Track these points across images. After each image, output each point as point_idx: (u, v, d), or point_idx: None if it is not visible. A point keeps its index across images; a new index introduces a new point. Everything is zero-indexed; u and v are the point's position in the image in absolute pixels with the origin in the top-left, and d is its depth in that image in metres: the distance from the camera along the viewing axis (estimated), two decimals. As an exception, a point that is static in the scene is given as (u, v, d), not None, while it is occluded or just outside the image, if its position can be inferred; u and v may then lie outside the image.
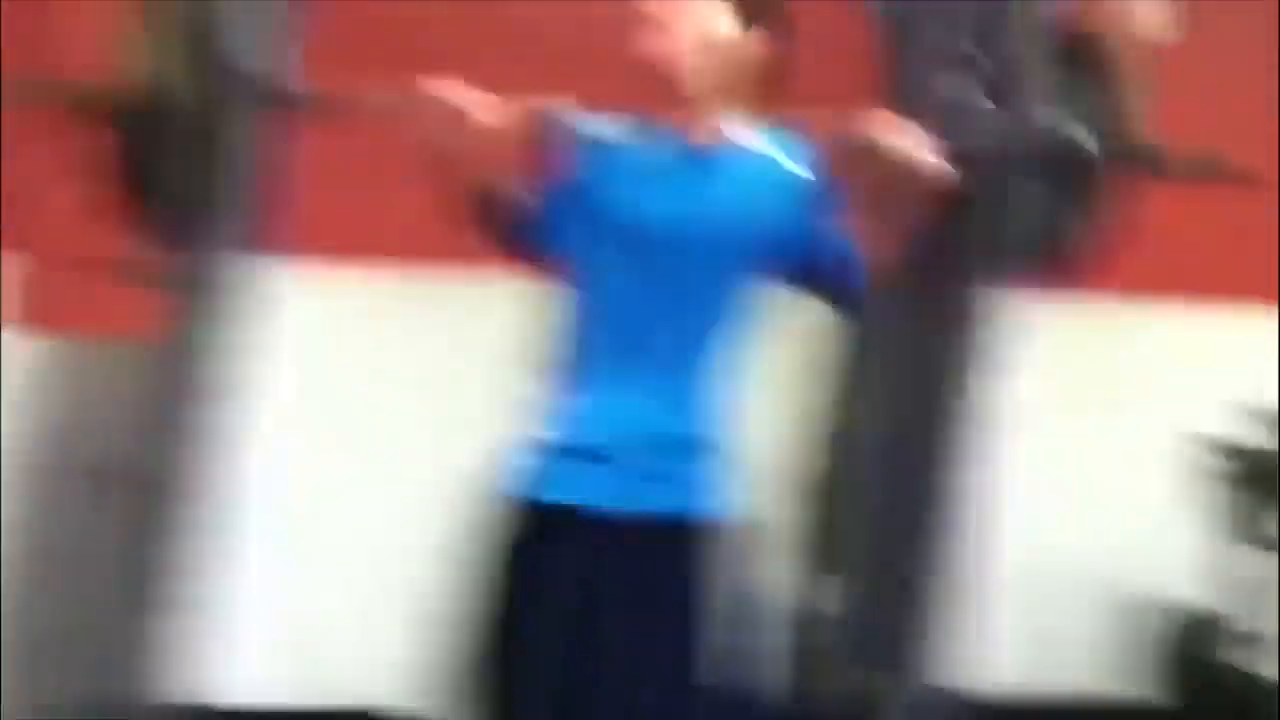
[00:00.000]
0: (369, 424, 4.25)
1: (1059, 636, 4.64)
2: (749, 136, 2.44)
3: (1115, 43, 3.11)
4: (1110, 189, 3.11)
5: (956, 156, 2.51)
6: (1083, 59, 3.10)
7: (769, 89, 2.42)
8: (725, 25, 2.39)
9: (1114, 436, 4.61)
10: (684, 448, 2.41)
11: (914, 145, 2.36)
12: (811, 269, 2.46)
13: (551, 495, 2.41)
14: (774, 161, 2.45)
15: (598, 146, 2.47)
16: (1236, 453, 4.29)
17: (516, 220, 2.47)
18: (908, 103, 2.72)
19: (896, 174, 2.36)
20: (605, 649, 2.39)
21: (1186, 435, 4.29)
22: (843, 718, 3.07)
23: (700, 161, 2.44)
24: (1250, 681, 4.26)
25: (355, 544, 4.22)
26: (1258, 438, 4.27)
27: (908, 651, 3.08)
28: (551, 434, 2.44)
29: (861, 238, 2.44)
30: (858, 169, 2.40)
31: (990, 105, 3.07)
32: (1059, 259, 3.14)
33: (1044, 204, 3.07)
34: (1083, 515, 4.61)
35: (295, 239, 3.64)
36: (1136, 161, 3.13)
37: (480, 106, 2.34)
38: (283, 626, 4.16)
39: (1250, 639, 4.27)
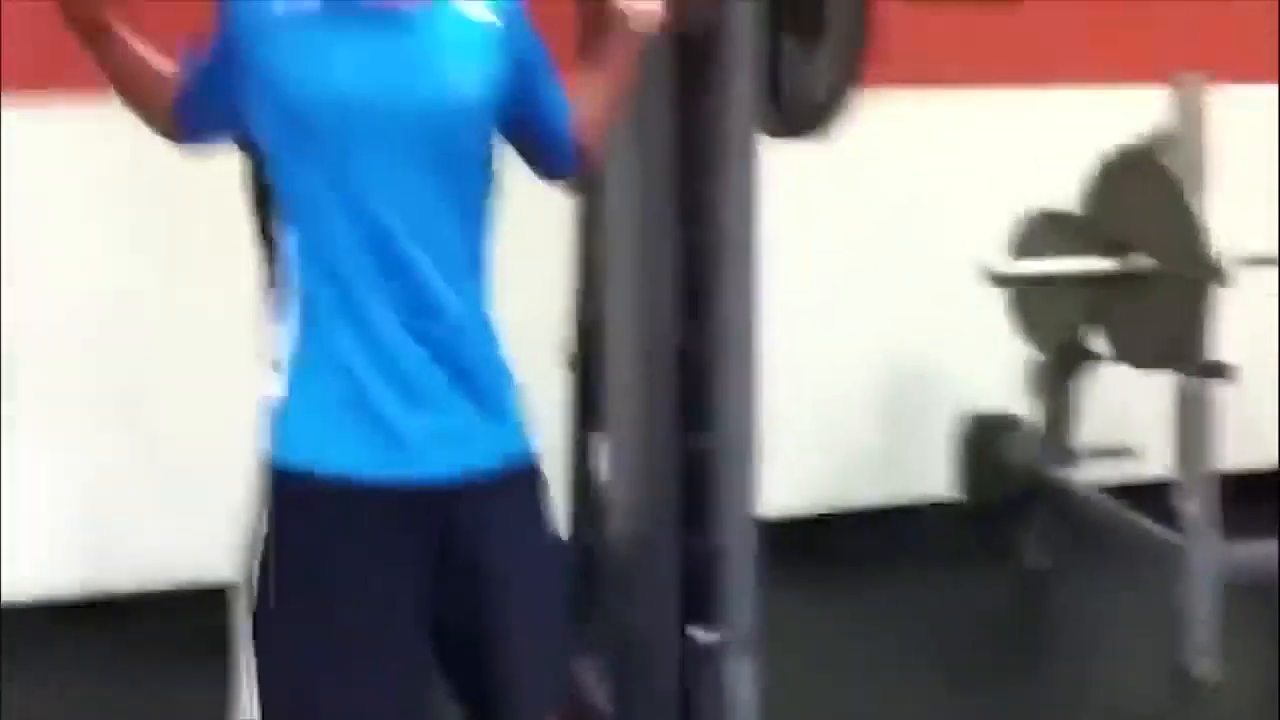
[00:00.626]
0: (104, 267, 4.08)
1: (862, 447, 4.72)
2: None
3: None
4: (846, 29, 2.83)
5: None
6: None
7: None
8: None
9: (911, 240, 4.59)
10: (468, 378, 2.12)
11: None
12: (524, 129, 2.22)
13: (334, 467, 2.07)
14: (477, 15, 2.14)
15: (271, 11, 2.06)
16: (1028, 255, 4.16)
17: (175, 97, 2.11)
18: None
19: (610, 19, 2.22)
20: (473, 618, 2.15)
21: (983, 236, 4.19)
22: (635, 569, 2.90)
23: (387, 18, 2.08)
24: (1037, 478, 4.30)
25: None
26: (1052, 239, 4.16)
27: (701, 492, 2.87)
28: (308, 384, 2.09)
29: (581, 95, 2.25)
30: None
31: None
32: (803, 105, 2.90)
33: (776, 48, 2.84)
34: (883, 324, 4.64)
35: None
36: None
37: None
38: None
39: (1047, 439, 4.31)
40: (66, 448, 4.07)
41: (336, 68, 2.04)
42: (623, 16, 2.23)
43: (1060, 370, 4.29)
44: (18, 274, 3.98)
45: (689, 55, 2.81)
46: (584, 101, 2.27)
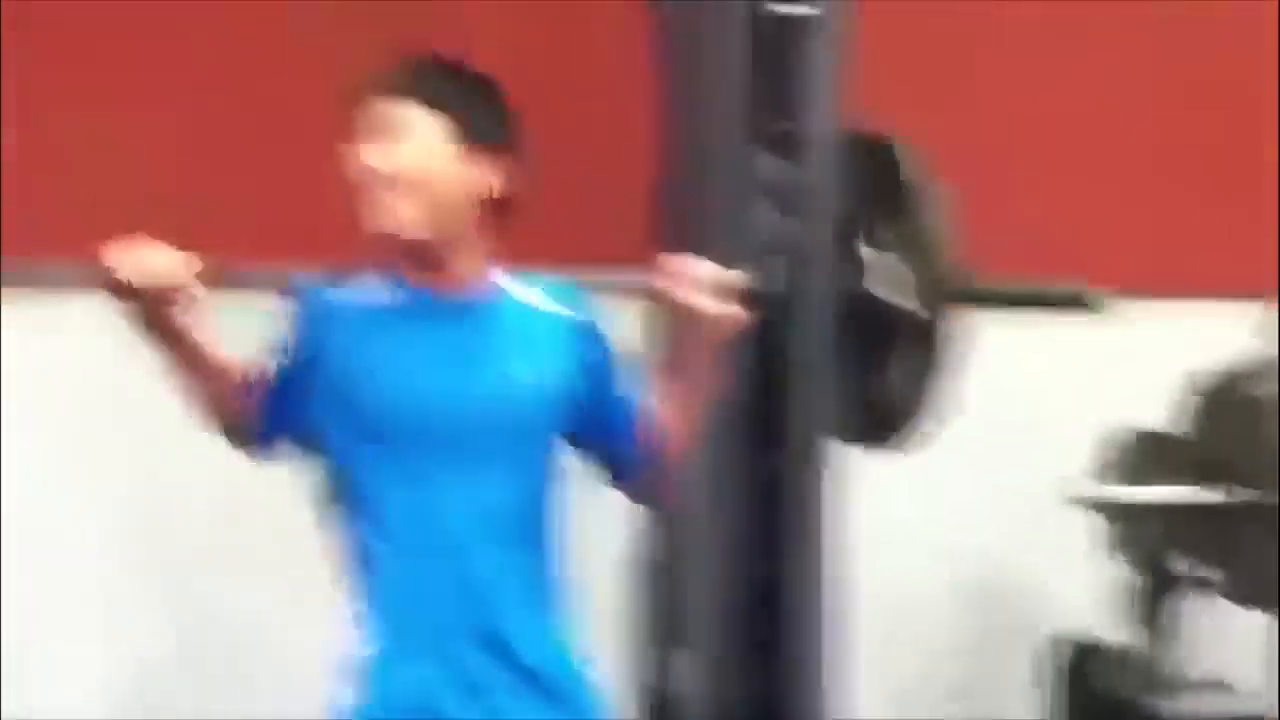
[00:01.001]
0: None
1: (942, 670, 4.57)
2: (508, 284, 2.12)
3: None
4: (928, 342, 2.80)
5: (754, 299, 2.29)
6: (883, 182, 2.81)
7: (507, 220, 2.10)
8: (451, 154, 2.02)
9: (996, 454, 4.43)
10: (536, 676, 2.07)
11: (703, 292, 2.10)
12: (590, 430, 2.14)
13: None
14: (543, 309, 2.12)
15: (332, 310, 2.07)
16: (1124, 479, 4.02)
17: (252, 409, 2.06)
18: (699, 237, 2.56)
19: (686, 323, 2.12)
20: None
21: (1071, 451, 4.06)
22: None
23: (452, 310, 2.07)
24: (1134, 710, 4.10)
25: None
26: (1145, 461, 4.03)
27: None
28: (371, 687, 2.05)
29: (659, 403, 2.16)
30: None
31: (790, 245, 2.81)
32: (882, 416, 2.89)
33: (856, 357, 2.83)
34: (971, 545, 4.51)
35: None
36: (952, 307, 2.79)
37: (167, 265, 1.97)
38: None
39: (1146, 669, 4.12)
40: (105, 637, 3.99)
41: (404, 363, 2.03)
42: (702, 319, 2.12)
43: (1154, 597, 4.14)
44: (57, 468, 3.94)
45: (763, 363, 2.79)
46: (661, 409, 2.17)
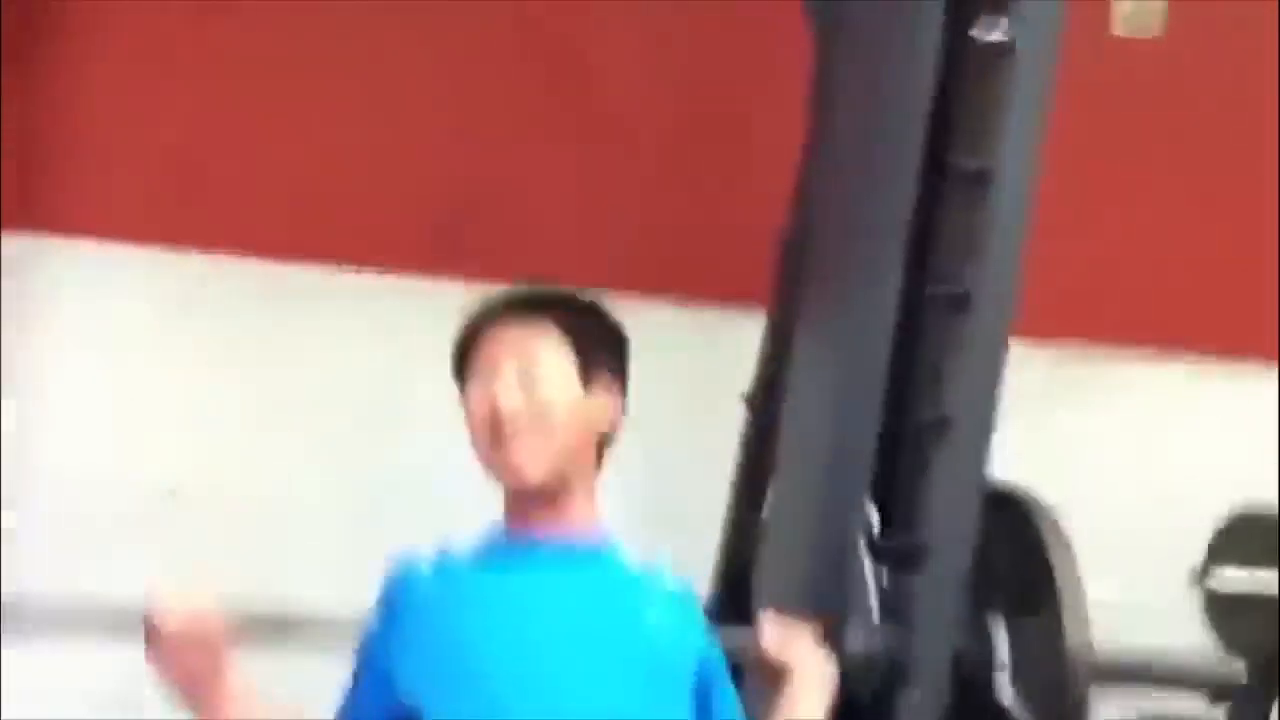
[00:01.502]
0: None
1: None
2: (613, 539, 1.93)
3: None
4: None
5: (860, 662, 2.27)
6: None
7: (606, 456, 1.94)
8: (580, 388, 1.85)
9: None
10: None
11: (803, 652, 2.05)
12: None
13: None
14: (657, 577, 1.93)
15: (422, 583, 1.86)
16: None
17: None
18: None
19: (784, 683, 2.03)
20: None
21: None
22: None
23: (572, 564, 1.85)
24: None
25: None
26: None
27: None
28: None
29: None
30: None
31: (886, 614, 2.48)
32: None
33: None
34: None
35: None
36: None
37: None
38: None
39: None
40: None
41: (516, 615, 1.80)
42: (801, 679, 2.04)
43: (1259, 692, 3.80)
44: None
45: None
46: None
